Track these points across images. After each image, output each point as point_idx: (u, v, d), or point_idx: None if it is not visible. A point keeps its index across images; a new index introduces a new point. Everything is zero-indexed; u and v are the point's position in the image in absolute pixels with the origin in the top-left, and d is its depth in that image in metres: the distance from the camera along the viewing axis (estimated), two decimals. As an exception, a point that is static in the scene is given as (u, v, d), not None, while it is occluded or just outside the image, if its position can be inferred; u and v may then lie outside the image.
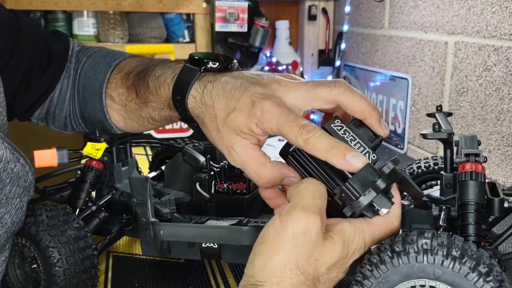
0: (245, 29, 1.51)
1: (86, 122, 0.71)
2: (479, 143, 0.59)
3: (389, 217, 0.48)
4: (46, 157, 0.64)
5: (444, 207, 0.56)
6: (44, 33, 0.72)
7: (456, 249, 0.44)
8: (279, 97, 0.50)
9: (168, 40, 1.59)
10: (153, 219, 0.62)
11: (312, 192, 0.46)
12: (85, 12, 1.49)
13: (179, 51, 1.50)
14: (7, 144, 0.54)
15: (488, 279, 0.43)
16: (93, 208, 0.68)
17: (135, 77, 0.64)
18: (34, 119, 0.72)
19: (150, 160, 0.90)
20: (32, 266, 0.59)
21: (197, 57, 0.56)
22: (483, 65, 1.01)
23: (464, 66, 1.06)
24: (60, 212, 0.60)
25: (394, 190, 0.49)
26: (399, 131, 1.31)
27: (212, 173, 0.68)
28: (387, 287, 0.46)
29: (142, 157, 1.18)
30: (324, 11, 1.70)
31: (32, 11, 1.46)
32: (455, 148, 0.60)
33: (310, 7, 1.69)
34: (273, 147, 0.96)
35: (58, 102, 0.71)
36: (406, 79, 1.27)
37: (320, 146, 0.46)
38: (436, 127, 0.57)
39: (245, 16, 1.51)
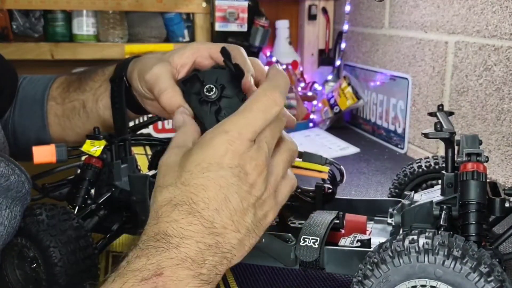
0: (245, 28, 1.51)
1: (19, 137, 0.78)
2: (480, 143, 0.59)
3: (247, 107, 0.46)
4: (45, 153, 0.63)
5: (445, 207, 0.55)
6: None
7: (457, 249, 0.44)
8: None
9: (167, 39, 1.59)
10: (153, 218, 0.62)
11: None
12: (84, 12, 1.48)
13: (178, 51, 1.50)
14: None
15: (489, 279, 0.43)
16: (93, 206, 0.68)
17: (79, 74, 0.75)
18: None
19: (150, 159, 0.89)
20: (32, 266, 0.59)
21: None
22: (483, 64, 1.01)
23: (465, 66, 1.06)
24: (60, 212, 0.60)
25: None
26: (399, 131, 1.31)
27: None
28: (388, 287, 0.46)
29: (142, 157, 1.18)
30: (324, 10, 1.70)
31: (32, 10, 1.45)
32: (456, 148, 0.60)
33: (310, 6, 1.69)
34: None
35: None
36: (406, 78, 1.26)
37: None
38: (438, 126, 0.56)
39: (245, 15, 1.50)
